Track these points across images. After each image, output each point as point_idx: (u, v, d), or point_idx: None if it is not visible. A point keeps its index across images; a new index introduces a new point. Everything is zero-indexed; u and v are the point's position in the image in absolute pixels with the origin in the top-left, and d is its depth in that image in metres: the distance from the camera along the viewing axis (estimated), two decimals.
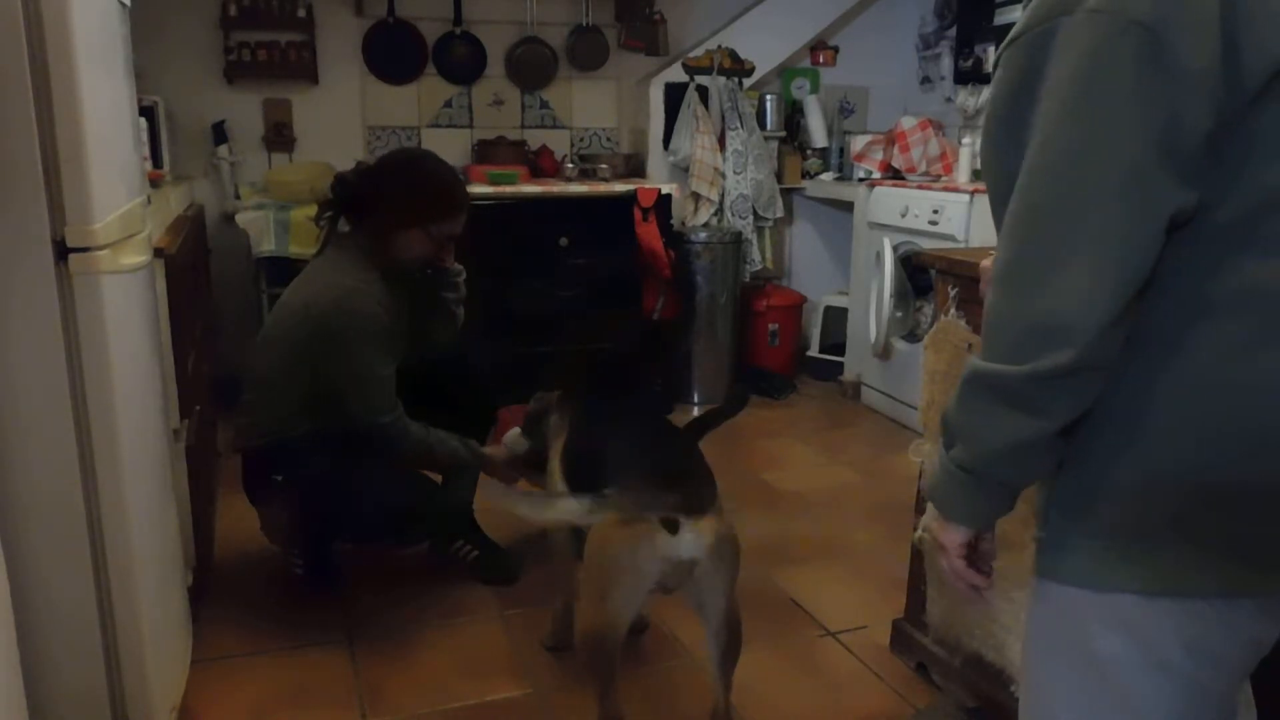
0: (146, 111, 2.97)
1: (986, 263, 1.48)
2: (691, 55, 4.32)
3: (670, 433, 2.05)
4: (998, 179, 0.97)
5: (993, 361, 0.92)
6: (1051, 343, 0.87)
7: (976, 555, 1.05)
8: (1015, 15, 4.32)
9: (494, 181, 3.80)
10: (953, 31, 4.44)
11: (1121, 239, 0.86)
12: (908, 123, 4.19)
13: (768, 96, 4.51)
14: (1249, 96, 0.84)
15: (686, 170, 4.25)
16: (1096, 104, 0.85)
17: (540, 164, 4.19)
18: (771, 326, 4.40)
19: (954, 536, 1.03)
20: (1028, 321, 0.89)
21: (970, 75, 4.28)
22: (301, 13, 3.91)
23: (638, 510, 1.62)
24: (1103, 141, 0.85)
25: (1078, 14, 0.86)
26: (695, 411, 4.08)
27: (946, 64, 4.51)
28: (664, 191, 3.96)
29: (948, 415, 0.98)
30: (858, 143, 4.40)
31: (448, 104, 4.24)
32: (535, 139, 4.32)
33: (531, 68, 4.29)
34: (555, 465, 2.10)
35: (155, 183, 2.79)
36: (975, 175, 3.90)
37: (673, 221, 4.08)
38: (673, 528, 1.59)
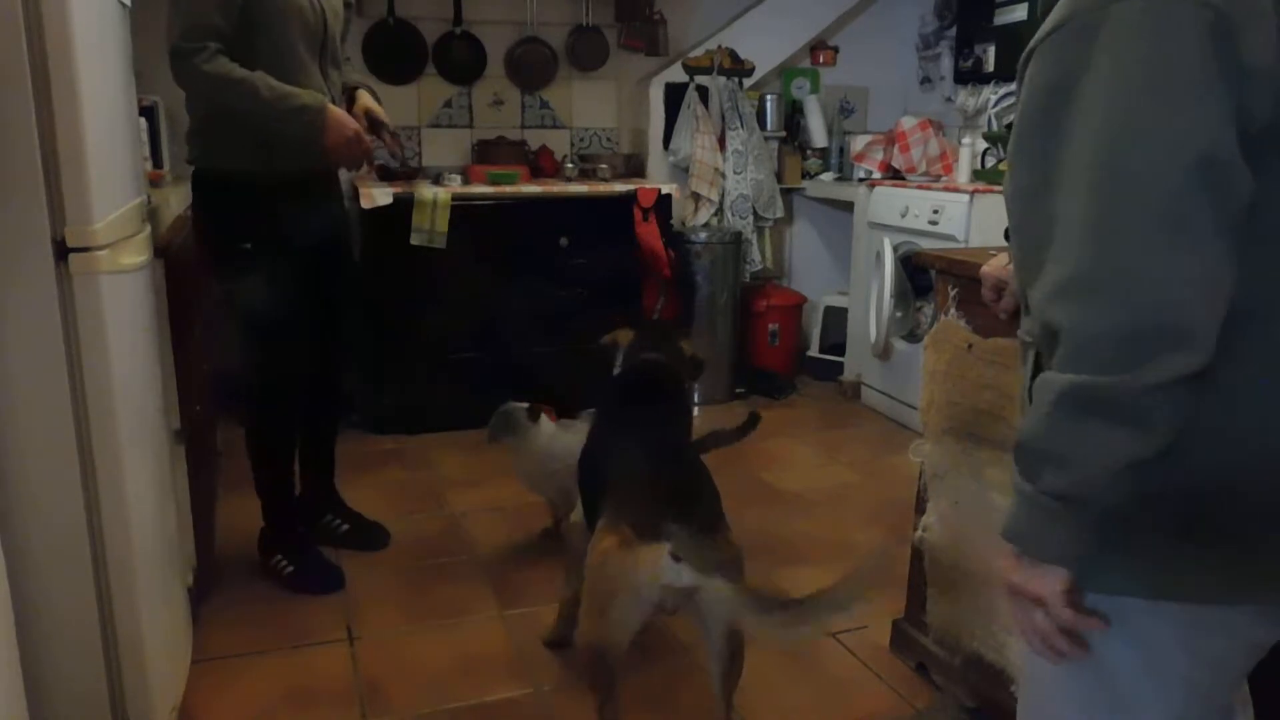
0: (146, 111, 2.97)
1: (987, 267, 1.48)
2: (691, 55, 4.32)
3: (678, 451, 1.95)
4: (1033, 181, 0.91)
5: (1090, 374, 0.83)
6: (1169, 346, 0.81)
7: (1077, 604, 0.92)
8: (1016, 15, 4.33)
9: (494, 181, 3.80)
10: (953, 31, 4.44)
11: (1214, 228, 0.80)
12: (908, 123, 4.19)
13: (768, 96, 4.51)
14: None
15: (686, 170, 4.25)
16: (1171, 87, 0.81)
17: (540, 164, 4.19)
18: (771, 326, 4.40)
19: (1052, 583, 0.90)
20: (1135, 327, 0.81)
21: (970, 75, 4.28)
22: None
23: (643, 537, 1.58)
24: (1181, 125, 0.80)
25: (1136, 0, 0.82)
26: (695, 411, 4.06)
27: (946, 64, 4.51)
28: (664, 191, 3.96)
29: (1028, 442, 0.90)
30: (858, 143, 4.40)
31: (447, 104, 4.24)
32: (535, 139, 4.32)
33: (531, 68, 4.29)
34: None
35: (155, 183, 2.79)
36: (975, 175, 3.90)
37: (673, 221, 4.08)
38: (677, 555, 1.55)
